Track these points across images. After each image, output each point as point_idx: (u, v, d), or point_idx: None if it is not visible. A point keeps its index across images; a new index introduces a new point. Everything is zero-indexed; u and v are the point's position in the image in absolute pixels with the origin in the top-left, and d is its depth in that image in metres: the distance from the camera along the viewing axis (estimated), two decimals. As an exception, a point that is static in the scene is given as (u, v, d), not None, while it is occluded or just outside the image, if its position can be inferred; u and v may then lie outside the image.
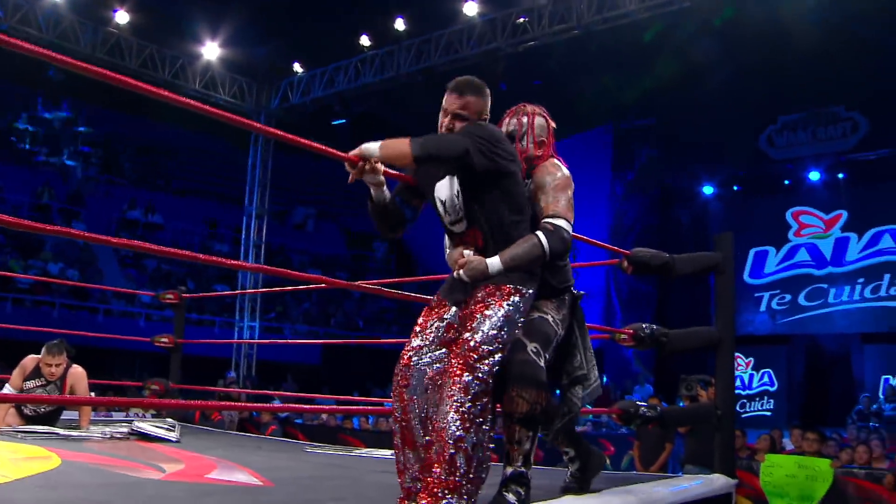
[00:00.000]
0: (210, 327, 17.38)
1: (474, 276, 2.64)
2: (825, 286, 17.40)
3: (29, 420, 5.64)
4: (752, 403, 17.33)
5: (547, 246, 2.71)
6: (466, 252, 2.70)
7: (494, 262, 2.63)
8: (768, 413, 17.05)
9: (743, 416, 16.38)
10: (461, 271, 2.66)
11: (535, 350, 2.76)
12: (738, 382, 17.03)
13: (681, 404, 7.61)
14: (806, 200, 17.85)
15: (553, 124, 3.12)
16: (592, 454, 3.30)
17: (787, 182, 18.18)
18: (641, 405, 4.35)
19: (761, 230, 18.01)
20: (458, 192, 2.74)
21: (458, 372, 2.49)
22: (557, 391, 3.14)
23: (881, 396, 15.48)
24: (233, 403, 7.17)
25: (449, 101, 2.79)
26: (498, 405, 2.74)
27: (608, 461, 8.28)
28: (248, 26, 15.21)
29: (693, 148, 17.74)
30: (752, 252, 18.19)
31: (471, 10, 13.39)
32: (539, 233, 2.74)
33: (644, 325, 4.40)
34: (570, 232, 2.83)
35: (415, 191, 2.97)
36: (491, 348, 2.52)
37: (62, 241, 16.62)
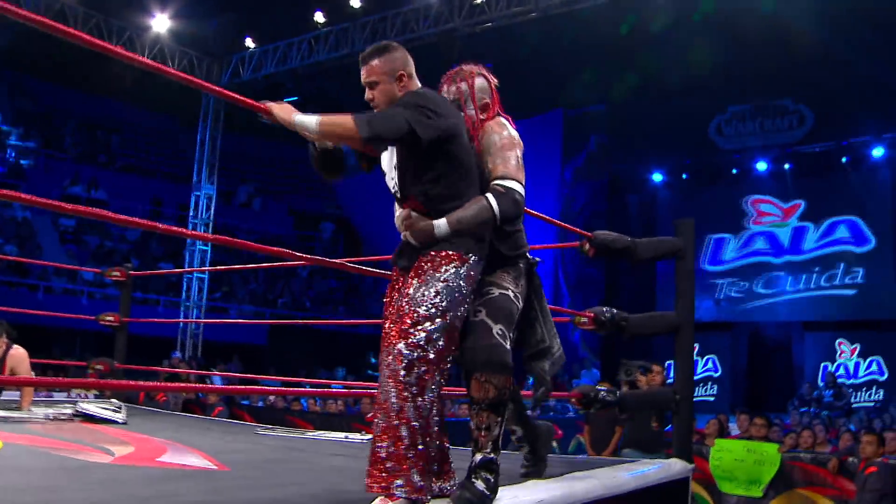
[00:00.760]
0: (154, 306, 17.03)
1: (420, 237, 2.56)
2: (782, 274, 17.77)
3: (-34, 402, 5.44)
4: (696, 389, 17.63)
5: (497, 209, 2.62)
6: (413, 214, 2.60)
7: (441, 224, 2.54)
8: (711, 398, 17.41)
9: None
10: (406, 232, 2.58)
11: (500, 333, 2.68)
12: (679, 369, 17.43)
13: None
14: (754, 190, 18.18)
15: (495, 80, 2.97)
16: (538, 428, 3.25)
17: (734, 171, 18.47)
18: (601, 390, 4.35)
19: (716, 218, 18.25)
20: (395, 164, 2.65)
21: (394, 341, 2.42)
22: (531, 378, 3.07)
23: (821, 383, 15.90)
24: (183, 385, 7.00)
25: (362, 75, 2.68)
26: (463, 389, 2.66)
27: (555, 445, 8.34)
28: (200, -2, 14.88)
29: (643, 135, 17.87)
30: (709, 239, 18.42)
31: (428, -11, 13.25)
32: (488, 195, 2.65)
33: (605, 309, 4.39)
34: (522, 194, 2.72)
35: None
36: (426, 314, 2.44)
37: (-1, 215, 16.11)
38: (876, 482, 5.92)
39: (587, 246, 4.24)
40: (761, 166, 17.95)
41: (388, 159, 2.70)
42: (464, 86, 2.90)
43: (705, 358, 17.91)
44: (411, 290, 2.49)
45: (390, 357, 2.41)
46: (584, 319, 4.40)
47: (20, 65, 19.08)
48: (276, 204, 23.35)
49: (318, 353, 17.45)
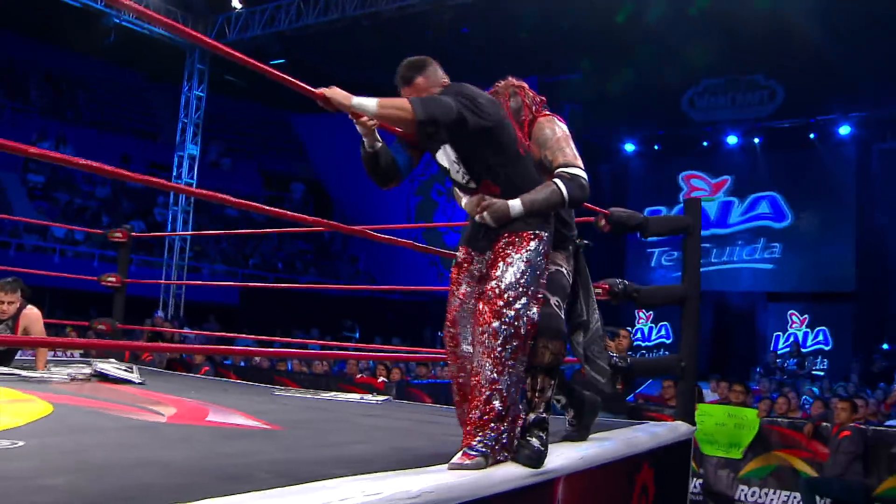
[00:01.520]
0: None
1: (497, 218, 2.75)
2: (708, 246, 18.30)
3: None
4: (651, 355, 18.21)
5: (566, 193, 2.85)
6: (487, 197, 2.78)
7: (516, 204, 2.74)
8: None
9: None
10: (484, 213, 2.76)
11: (557, 304, 2.97)
12: (637, 335, 18.07)
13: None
14: (720, 163, 18.64)
15: (531, 94, 3.16)
16: (585, 400, 3.52)
17: (705, 144, 18.88)
18: (614, 356, 4.61)
19: (656, 191, 18.97)
20: (455, 158, 2.81)
21: (488, 319, 2.63)
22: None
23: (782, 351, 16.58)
24: (201, 346, 7.15)
25: (404, 95, 2.79)
26: None
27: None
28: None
29: (617, 105, 18.04)
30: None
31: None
32: (557, 180, 2.87)
33: (618, 281, 4.64)
34: (587, 179, 2.96)
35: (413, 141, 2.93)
36: (516, 293, 2.66)
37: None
38: (849, 445, 6.32)
39: (603, 222, 4.48)
40: (732, 140, 18.36)
41: (446, 156, 2.84)
42: (519, 99, 3.11)
43: (659, 325, 18.76)
44: (499, 272, 2.70)
45: (485, 335, 2.62)
46: (598, 290, 4.64)
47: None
48: (246, 164, 23.19)
49: (291, 314, 17.54)
